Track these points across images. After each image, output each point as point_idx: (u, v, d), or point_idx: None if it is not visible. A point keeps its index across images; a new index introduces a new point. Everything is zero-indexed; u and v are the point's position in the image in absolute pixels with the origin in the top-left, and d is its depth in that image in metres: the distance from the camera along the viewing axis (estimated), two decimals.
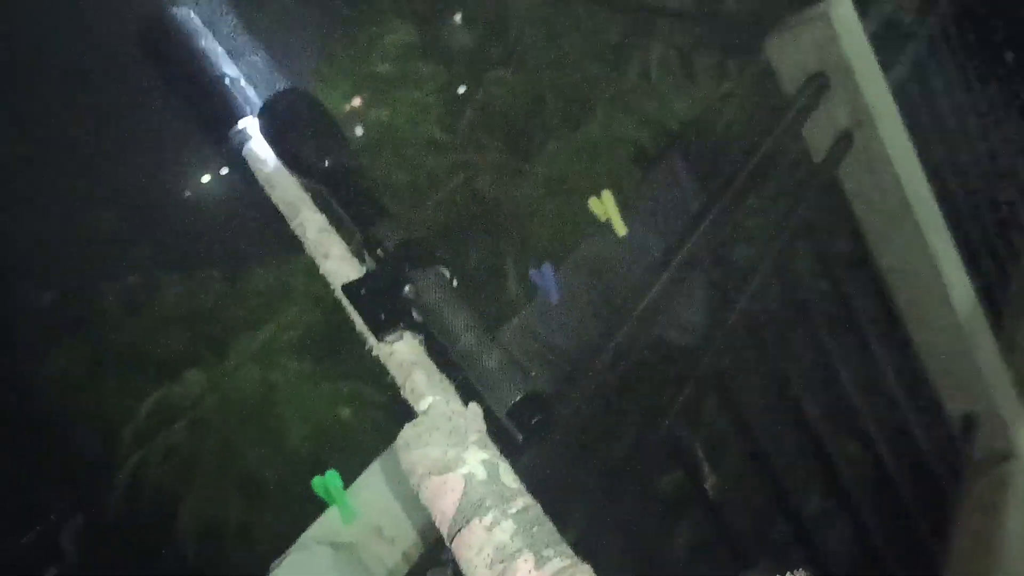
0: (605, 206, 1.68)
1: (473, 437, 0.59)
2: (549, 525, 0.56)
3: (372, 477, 1.41)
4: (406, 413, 0.67)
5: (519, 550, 0.52)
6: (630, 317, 1.55)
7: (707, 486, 1.58)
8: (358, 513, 1.29)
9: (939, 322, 2.38)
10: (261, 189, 0.81)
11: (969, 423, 2.44)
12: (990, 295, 2.71)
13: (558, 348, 1.51)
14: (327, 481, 1.26)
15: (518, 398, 0.60)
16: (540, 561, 0.51)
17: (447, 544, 0.57)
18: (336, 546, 1.35)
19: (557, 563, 0.51)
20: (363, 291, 0.66)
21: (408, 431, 0.60)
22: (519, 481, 0.58)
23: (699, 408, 1.70)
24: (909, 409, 2.32)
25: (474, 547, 0.54)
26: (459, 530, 0.55)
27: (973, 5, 2.94)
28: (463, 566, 0.55)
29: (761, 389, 1.98)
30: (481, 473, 0.57)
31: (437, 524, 0.58)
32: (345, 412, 3.66)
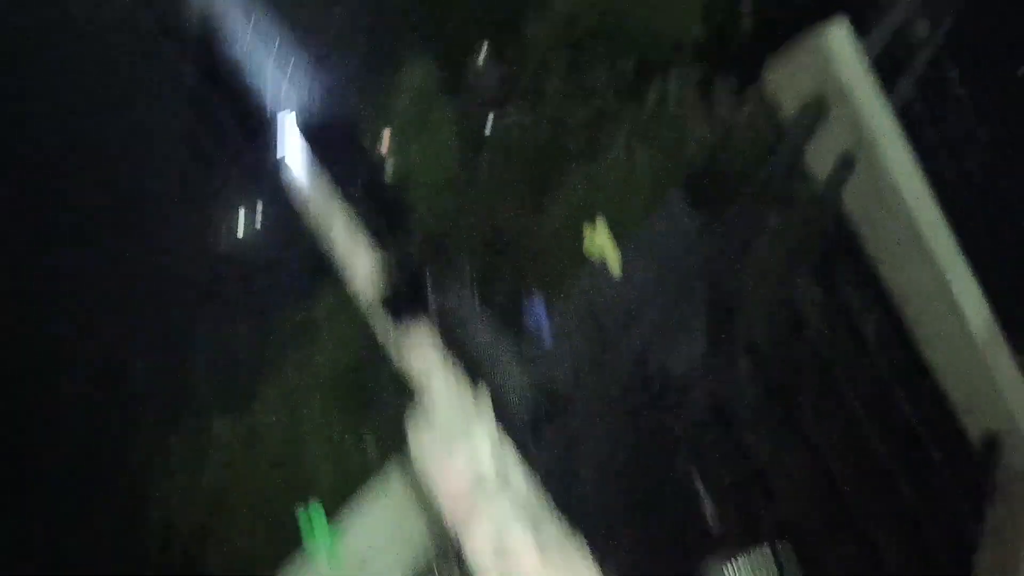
0: (600, 244, 1.70)
1: (480, 420, 0.63)
2: (550, 507, 0.60)
3: (358, 514, 1.42)
4: None
5: (522, 530, 0.58)
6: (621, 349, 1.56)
7: (709, 519, 1.58)
8: (341, 554, 1.30)
9: (954, 342, 2.35)
10: (295, 213, 0.84)
11: (991, 442, 2.39)
12: (1008, 312, 2.66)
13: (554, 378, 1.52)
14: (312, 516, 1.28)
15: (527, 386, 0.62)
16: (541, 541, 0.57)
17: (450, 525, 0.61)
18: None
19: (557, 543, 0.58)
20: (387, 286, 0.69)
21: (417, 413, 0.63)
22: (523, 463, 0.62)
23: (703, 439, 1.70)
24: (928, 433, 2.28)
25: (480, 535, 0.59)
26: (468, 516, 0.59)
27: (982, 21, 2.93)
28: (470, 554, 0.59)
29: (768, 419, 1.96)
30: (487, 455, 0.61)
31: (441, 504, 0.62)
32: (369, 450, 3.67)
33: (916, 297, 2.30)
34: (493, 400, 0.64)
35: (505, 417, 0.64)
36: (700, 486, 1.53)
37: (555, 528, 0.54)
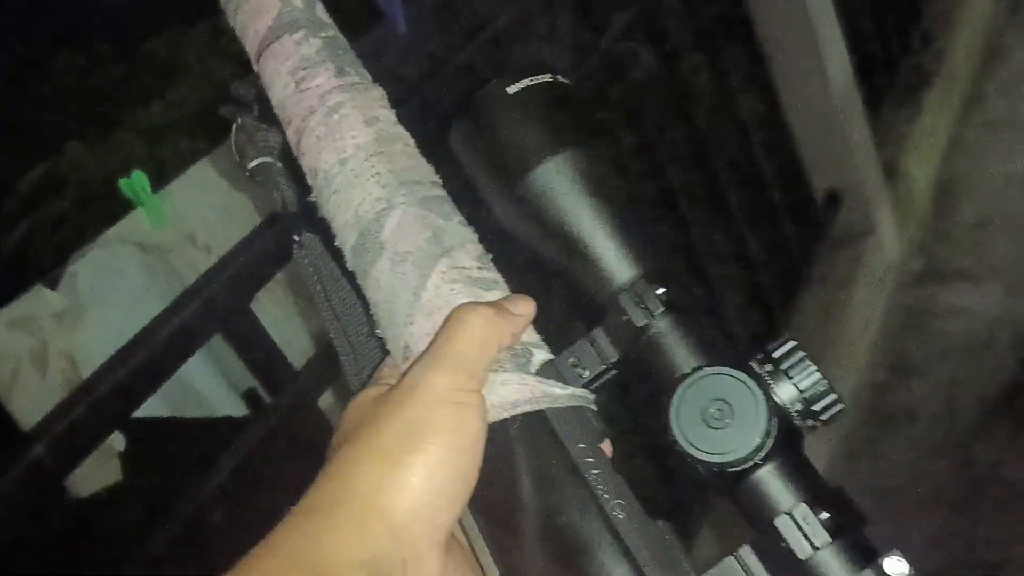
0: None
1: None
2: (355, 56, 0.57)
3: (187, 184, 1.38)
4: None
5: (323, 62, 0.54)
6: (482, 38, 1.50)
7: None
8: (168, 217, 1.26)
9: (813, 96, 2.39)
10: None
11: (833, 199, 2.49)
12: (873, 81, 2.71)
13: (405, 76, 1.46)
14: (134, 182, 1.23)
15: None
16: (340, 74, 0.54)
17: (255, 61, 0.58)
18: (143, 247, 1.35)
19: (356, 78, 0.54)
20: None
21: None
22: (330, 18, 0.60)
23: None
24: (775, 180, 2.35)
25: (281, 56, 0.57)
26: (269, 44, 0.56)
27: None
28: (267, 76, 0.58)
29: (622, 145, 1.97)
30: (298, 2, 0.57)
31: (248, 47, 0.59)
32: None
33: (782, 45, 2.30)
34: None
35: None
36: None
37: (357, 66, 0.54)
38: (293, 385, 1.22)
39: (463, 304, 0.47)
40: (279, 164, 0.62)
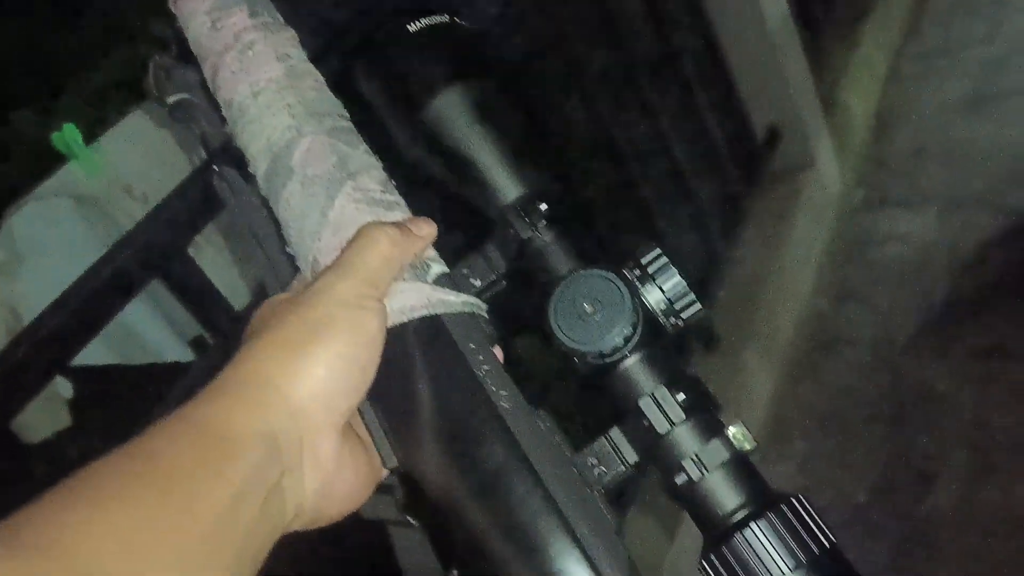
0: None
1: None
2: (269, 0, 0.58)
3: (120, 135, 1.39)
4: None
5: (238, 3, 0.56)
6: None
7: None
8: (102, 168, 1.27)
9: (750, 34, 2.42)
10: None
11: (773, 135, 2.54)
12: (810, 14, 2.74)
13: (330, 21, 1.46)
14: (65, 135, 1.24)
15: None
16: (254, 14, 0.56)
17: (172, 1, 0.60)
18: (79, 198, 1.35)
19: (268, 19, 0.57)
20: None
21: None
22: None
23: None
24: (714, 117, 2.39)
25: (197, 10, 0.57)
26: None
27: None
28: (184, 15, 0.61)
29: (560, 85, 1.99)
30: None
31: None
32: None
33: None
34: None
35: None
36: None
37: (272, 13, 0.56)
38: (235, 326, 1.25)
39: (371, 223, 0.51)
40: (197, 100, 0.64)
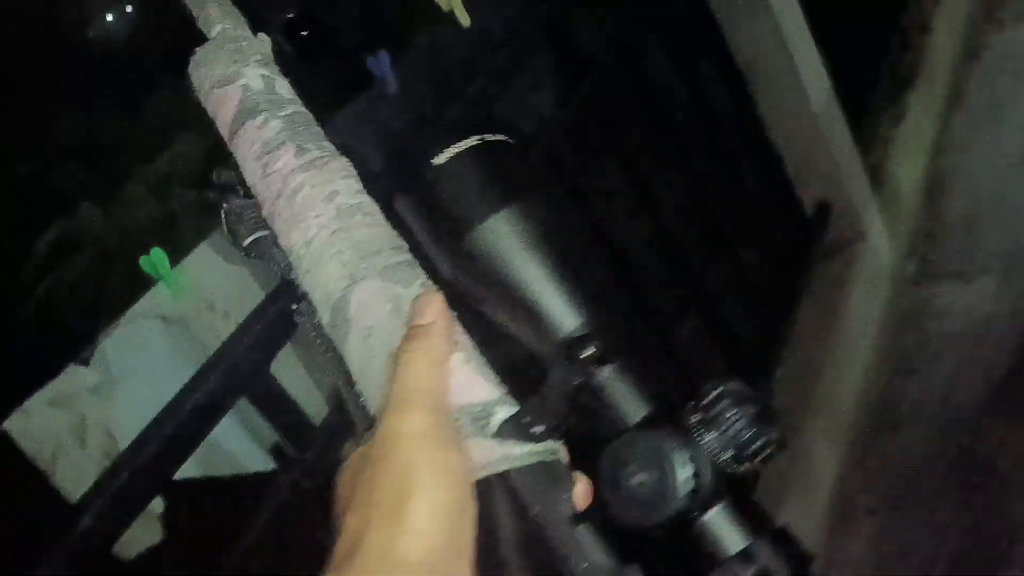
0: None
1: (255, 57, 0.64)
2: (316, 128, 0.60)
3: (202, 256, 1.47)
4: None
5: (283, 144, 0.58)
6: (465, 96, 1.59)
7: None
8: (186, 289, 1.35)
9: (794, 113, 2.46)
10: None
11: (822, 209, 2.56)
12: (854, 88, 2.78)
13: (395, 131, 1.54)
14: (153, 259, 1.31)
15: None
16: (300, 152, 0.57)
17: (229, 148, 0.63)
18: (166, 320, 1.43)
19: (316, 153, 0.58)
20: None
21: (198, 52, 0.65)
22: (293, 92, 0.64)
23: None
24: (764, 198, 2.43)
25: (247, 143, 0.59)
26: (236, 132, 0.61)
27: None
28: (240, 163, 0.60)
29: (612, 176, 2.04)
30: (258, 84, 0.62)
31: (222, 133, 0.64)
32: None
33: (761, 66, 2.38)
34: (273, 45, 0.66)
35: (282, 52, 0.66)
36: None
37: (316, 138, 0.59)
38: (314, 438, 1.30)
39: (395, 351, 0.50)
40: (271, 236, 0.63)
